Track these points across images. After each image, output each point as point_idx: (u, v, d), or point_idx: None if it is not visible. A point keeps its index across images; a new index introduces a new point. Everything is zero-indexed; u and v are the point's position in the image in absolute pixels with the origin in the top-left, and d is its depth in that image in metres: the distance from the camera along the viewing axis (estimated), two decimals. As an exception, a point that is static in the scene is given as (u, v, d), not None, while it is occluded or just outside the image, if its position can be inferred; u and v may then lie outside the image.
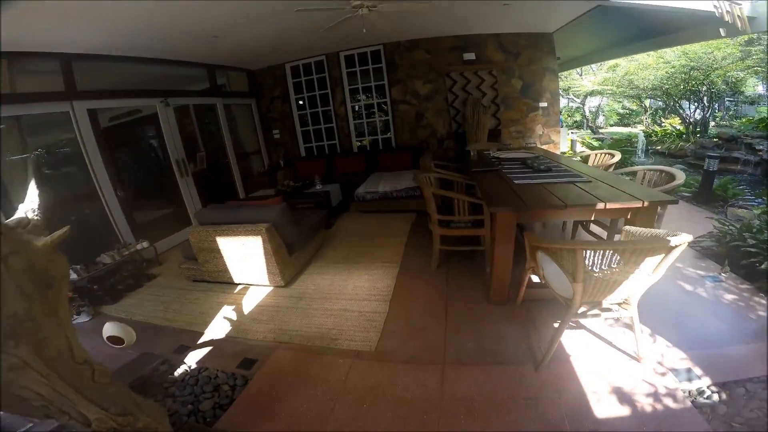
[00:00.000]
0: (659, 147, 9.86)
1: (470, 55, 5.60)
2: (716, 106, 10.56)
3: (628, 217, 2.22)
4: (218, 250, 3.18)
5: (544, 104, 5.90)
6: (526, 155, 3.59)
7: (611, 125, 16.32)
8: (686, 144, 9.10)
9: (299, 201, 4.39)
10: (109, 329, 1.93)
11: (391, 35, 5.35)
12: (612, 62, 11.05)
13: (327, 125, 6.46)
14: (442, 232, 2.94)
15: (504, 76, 5.72)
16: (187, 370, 2.37)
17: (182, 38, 4.02)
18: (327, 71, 6.04)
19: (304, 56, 6.02)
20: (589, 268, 1.89)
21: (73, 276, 3.60)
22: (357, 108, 6.32)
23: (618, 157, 3.70)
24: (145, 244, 4.26)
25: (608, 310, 1.92)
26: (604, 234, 2.87)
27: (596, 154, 4.02)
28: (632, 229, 1.95)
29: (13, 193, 3.31)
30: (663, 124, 12.21)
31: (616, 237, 2.27)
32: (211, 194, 6.52)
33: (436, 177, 3.28)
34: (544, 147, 6.00)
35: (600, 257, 1.93)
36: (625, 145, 8.95)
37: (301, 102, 6.51)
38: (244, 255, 3.08)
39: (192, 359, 2.46)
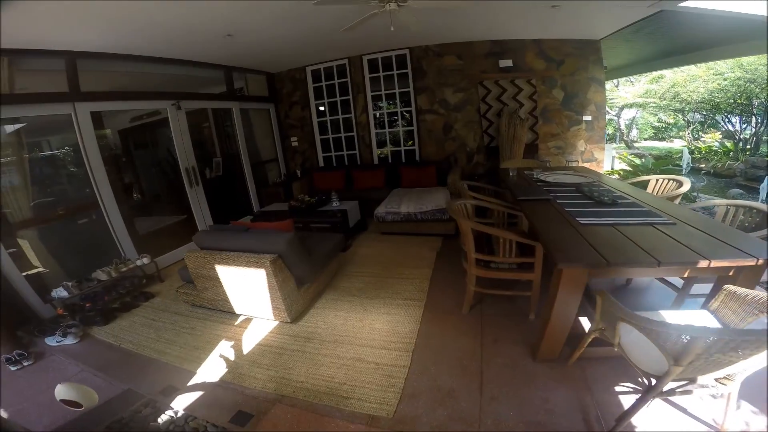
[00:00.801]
0: (703, 165, 9.02)
1: (507, 62, 5.07)
2: (770, 122, 9.58)
3: (730, 274, 1.68)
4: (218, 278, 2.78)
5: (587, 117, 5.29)
6: (580, 179, 3.03)
7: (645, 139, 15.32)
8: (735, 163, 8.23)
9: (314, 220, 3.97)
10: (62, 392, 1.52)
11: (419, 38, 4.90)
12: (656, 73, 10.23)
13: (347, 134, 6.05)
14: (479, 273, 2.43)
15: (544, 86, 5.16)
16: (172, 417, 1.96)
17: (194, 37, 3.70)
18: (349, 76, 5.64)
19: (326, 59, 5.64)
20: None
21: (64, 293, 3.29)
22: (379, 116, 5.89)
23: (687, 186, 3.08)
24: (145, 260, 3.93)
25: (704, 386, 1.42)
26: (677, 282, 2.34)
27: (658, 181, 3.41)
28: (738, 290, 1.56)
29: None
30: (702, 139, 11.28)
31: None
32: (223, 205, 6.22)
33: (473, 204, 2.77)
34: (586, 165, 5.39)
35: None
36: (668, 162, 8.16)
37: (321, 108, 6.13)
38: (247, 286, 2.65)
39: (180, 404, 2.12)
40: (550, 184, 2.96)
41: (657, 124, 15.00)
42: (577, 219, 2.11)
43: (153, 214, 5.24)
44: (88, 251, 3.97)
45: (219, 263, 2.64)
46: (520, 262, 2.34)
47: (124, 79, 4.22)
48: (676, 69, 9.18)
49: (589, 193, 2.58)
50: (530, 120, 5.13)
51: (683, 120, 13.12)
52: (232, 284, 2.74)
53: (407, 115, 5.64)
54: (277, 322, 2.82)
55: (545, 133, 5.30)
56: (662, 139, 14.77)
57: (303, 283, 2.76)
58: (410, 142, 5.81)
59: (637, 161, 8.70)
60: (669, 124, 14.47)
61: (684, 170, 9.09)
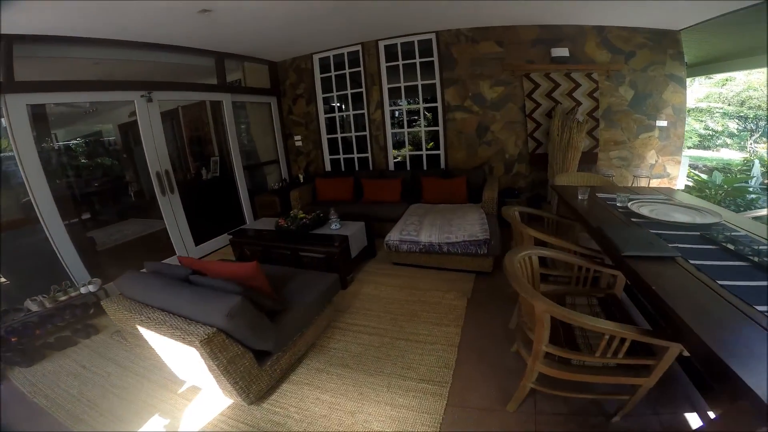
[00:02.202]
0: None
1: (561, 52, 4.05)
2: None
3: None
4: (146, 341, 1.91)
5: (662, 123, 4.20)
6: (695, 215, 2.00)
7: (689, 147, 13.80)
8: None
9: (304, 247, 3.06)
10: None
11: (448, 20, 3.95)
12: (723, 75, 8.87)
13: (359, 133, 5.15)
14: (549, 371, 1.46)
15: (609, 82, 4.11)
16: None
17: (164, 16, 2.94)
18: (363, 65, 4.74)
19: (336, 46, 4.77)
20: None
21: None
22: (397, 114, 4.97)
23: None
24: (92, 286, 3.14)
25: None
26: None
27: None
28: None
29: None
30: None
31: None
32: (212, 213, 5.45)
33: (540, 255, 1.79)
34: (656, 182, 4.29)
35: None
36: (739, 180, 6.87)
37: (331, 104, 5.27)
38: (185, 357, 1.77)
39: None
40: (650, 222, 1.95)
41: (703, 132, 13.45)
42: (744, 300, 1.10)
43: (115, 229, 4.51)
44: (34, 273, 3.23)
45: (140, 324, 1.77)
46: (630, 364, 1.35)
47: (95, 68, 3.49)
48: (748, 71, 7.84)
49: (720, 239, 1.56)
50: (589, 123, 4.07)
51: (744, 127, 11.58)
52: (165, 351, 1.87)
53: (430, 113, 4.71)
54: (231, 401, 1.96)
55: (607, 139, 4.24)
56: (707, 147, 13.25)
57: (267, 356, 1.86)
58: (431, 144, 4.86)
59: (703, 177, 7.42)
60: (716, 131, 12.93)
61: (753, 186, 7.74)
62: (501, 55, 4.19)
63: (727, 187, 5.18)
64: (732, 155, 10.31)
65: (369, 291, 3.01)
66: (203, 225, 6.16)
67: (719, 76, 8.76)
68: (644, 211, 2.13)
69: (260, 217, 5.15)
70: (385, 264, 3.49)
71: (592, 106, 4.13)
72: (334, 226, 3.21)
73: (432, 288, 2.97)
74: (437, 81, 4.44)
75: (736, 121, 10.83)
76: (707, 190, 5.49)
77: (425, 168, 4.86)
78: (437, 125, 4.63)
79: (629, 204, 2.20)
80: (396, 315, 2.66)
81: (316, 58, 5.05)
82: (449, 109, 4.47)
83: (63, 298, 2.99)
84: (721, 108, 9.36)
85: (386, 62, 4.65)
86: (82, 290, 3.10)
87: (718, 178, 6.32)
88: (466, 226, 3.15)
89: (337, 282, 2.49)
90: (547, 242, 1.98)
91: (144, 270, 2.10)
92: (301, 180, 5.52)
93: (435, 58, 4.40)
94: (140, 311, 1.80)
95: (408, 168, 5.00)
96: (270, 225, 3.51)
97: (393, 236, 3.18)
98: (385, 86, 4.72)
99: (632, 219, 1.98)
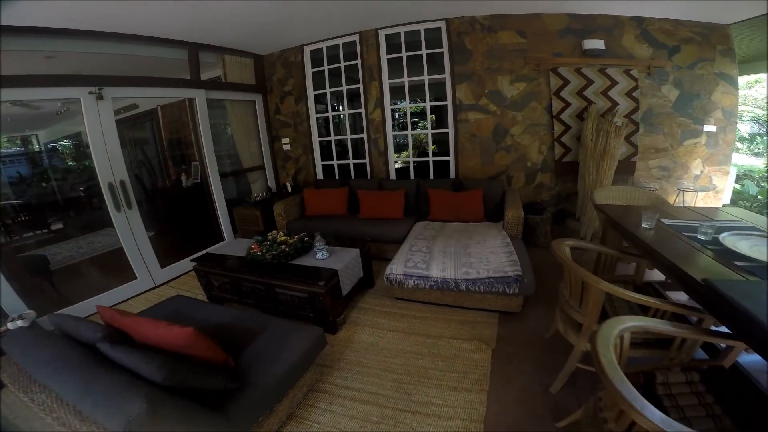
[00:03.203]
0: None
1: (596, 44, 3.55)
2: None
3: None
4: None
5: (711, 128, 3.70)
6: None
7: None
8: None
9: (282, 284, 2.49)
10: None
11: (461, 6, 3.46)
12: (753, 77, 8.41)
13: (355, 136, 4.63)
14: None
15: (650, 80, 3.61)
16: None
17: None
18: (360, 57, 4.23)
19: (330, 35, 4.26)
20: None
21: None
22: (398, 116, 4.45)
23: None
24: (20, 322, 2.56)
25: None
26: None
27: None
28: None
29: None
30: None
31: None
32: (183, 229, 4.94)
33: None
34: (702, 197, 3.79)
35: None
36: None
37: (324, 102, 4.75)
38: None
39: None
40: (758, 265, 1.42)
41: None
42: None
43: (90, 238, 4.00)
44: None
45: (30, 405, 1.21)
46: None
47: (49, 64, 3.00)
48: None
49: None
50: (628, 126, 3.56)
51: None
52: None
53: (432, 114, 4.22)
54: None
55: (647, 146, 3.73)
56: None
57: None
58: (433, 147, 4.33)
59: (737, 186, 6.94)
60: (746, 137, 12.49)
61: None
62: (523, 47, 3.69)
63: (763, 199, 4.72)
64: (745, 161, 9.82)
65: (365, 338, 2.45)
66: (177, 240, 5.62)
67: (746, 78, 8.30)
68: (742, 247, 1.60)
69: (241, 232, 4.61)
70: (385, 298, 2.93)
71: (631, 108, 3.62)
72: (321, 256, 2.64)
73: (446, 334, 2.41)
74: (447, 76, 3.93)
75: (751, 124, 10.42)
76: (741, 202, 5.03)
77: (432, 177, 4.33)
78: (446, 127, 4.10)
79: (721, 238, 1.67)
80: (400, 374, 2.10)
81: (307, 50, 4.54)
82: (461, 109, 3.95)
83: None
84: (750, 111, 8.89)
85: (387, 54, 4.14)
86: (9, 326, 2.52)
87: (752, 188, 5.82)
88: (489, 256, 2.60)
89: (322, 337, 1.93)
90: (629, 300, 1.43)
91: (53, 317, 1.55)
92: (289, 189, 4.98)
93: (445, 50, 3.89)
94: (25, 386, 1.26)
95: (412, 177, 4.47)
96: (244, 248, 2.95)
97: (396, 268, 2.62)
98: (386, 82, 4.21)
99: (735, 262, 1.45)
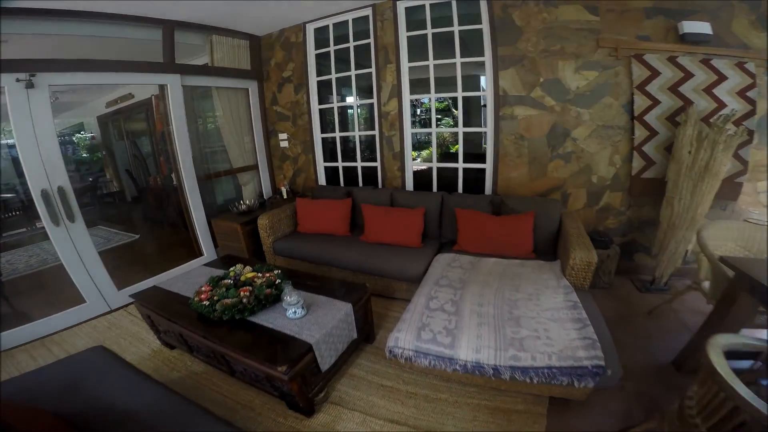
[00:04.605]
0: None
1: (699, 27, 2.61)
2: None
3: None
4: None
5: None
6: None
7: None
8: None
9: (233, 354, 1.76)
10: None
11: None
12: None
13: (365, 132, 3.84)
14: None
15: (774, 70, 2.64)
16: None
17: None
18: (373, 35, 3.43)
19: (338, 10, 3.50)
20: None
21: None
22: (420, 112, 3.62)
23: None
24: None
25: None
26: None
27: None
28: None
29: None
30: None
31: None
32: (160, 239, 4.38)
33: None
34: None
35: None
36: None
37: (328, 91, 3.98)
38: None
39: None
40: None
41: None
42: None
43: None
44: None
45: None
46: None
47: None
48: None
49: None
50: (740, 136, 2.61)
51: None
52: None
53: (455, 109, 3.34)
54: None
55: (759, 163, 2.77)
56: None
57: None
58: (455, 147, 3.47)
59: None
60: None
61: None
62: (595, 26, 2.78)
63: None
64: None
65: (352, 429, 1.69)
66: (160, 248, 5.05)
67: None
68: None
69: (222, 247, 3.93)
70: (386, 365, 2.15)
71: (744, 111, 2.67)
72: (292, 314, 1.88)
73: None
74: (488, 59, 3.06)
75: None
76: None
77: (461, 190, 3.49)
78: (485, 125, 3.24)
79: None
80: None
81: (310, 28, 3.78)
82: (506, 102, 3.08)
83: None
84: None
85: (408, 30, 3.33)
86: None
87: None
88: (549, 325, 1.76)
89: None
90: None
91: None
92: (284, 196, 4.26)
93: (485, 26, 3.03)
94: None
95: (435, 188, 3.63)
96: (201, 280, 2.23)
97: (404, 339, 1.80)
98: (405, 65, 3.39)
99: None
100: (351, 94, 3.84)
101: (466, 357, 1.68)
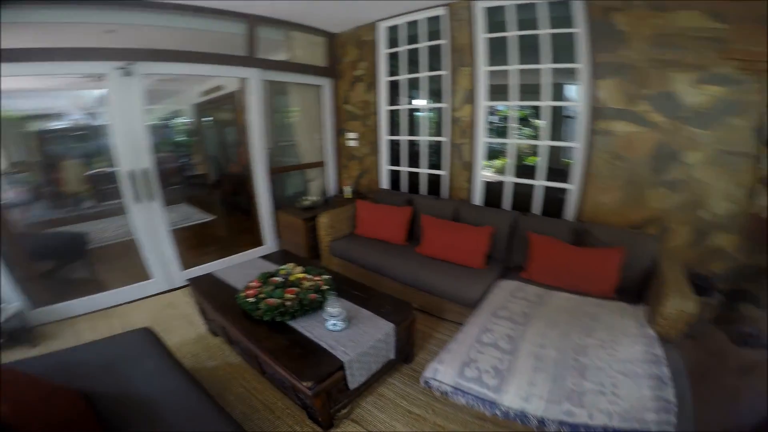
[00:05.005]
0: None
1: None
2: None
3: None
4: None
5: None
6: None
7: None
8: None
9: (264, 356, 1.76)
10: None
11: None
12: None
13: (433, 138, 3.68)
14: None
15: None
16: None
17: None
18: (449, 35, 3.25)
19: (410, 9, 3.40)
20: None
21: None
22: (498, 119, 3.37)
23: None
24: None
25: None
26: None
27: None
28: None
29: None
30: None
31: None
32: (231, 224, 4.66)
33: None
34: None
35: None
36: None
37: (397, 92, 3.90)
38: None
39: None
40: None
41: None
42: None
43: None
44: None
45: None
46: None
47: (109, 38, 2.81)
48: None
49: None
50: None
51: None
52: None
53: (556, 118, 2.99)
54: None
55: None
56: None
57: None
58: (531, 159, 3.12)
59: None
60: None
61: None
62: (720, 35, 2.29)
63: None
64: None
65: None
66: (231, 232, 5.39)
67: None
68: None
69: (284, 240, 4.05)
70: (420, 388, 1.98)
71: None
72: (332, 325, 1.83)
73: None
74: (585, 66, 2.71)
75: None
76: None
77: (537, 210, 3.15)
78: (575, 140, 2.89)
79: None
80: None
81: (381, 26, 3.72)
82: (603, 115, 2.70)
83: None
84: None
85: (487, 32, 3.09)
86: None
87: None
88: (618, 379, 1.48)
89: None
90: None
91: None
92: (348, 195, 4.27)
93: (582, 30, 2.68)
94: None
95: (506, 204, 3.34)
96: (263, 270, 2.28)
97: (443, 372, 1.63)
98: (482, 68, 3.15)
99: None
100: (421, 97, 3.70)
101: (510, 404, 1.48)
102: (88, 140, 6.88)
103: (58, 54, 2.46)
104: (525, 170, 3.32)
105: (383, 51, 3.78)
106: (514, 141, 3.25)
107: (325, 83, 4.29)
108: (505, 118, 3.92)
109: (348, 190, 4.33)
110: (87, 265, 3.71)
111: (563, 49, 2.82)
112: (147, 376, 1.58)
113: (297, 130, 4.36)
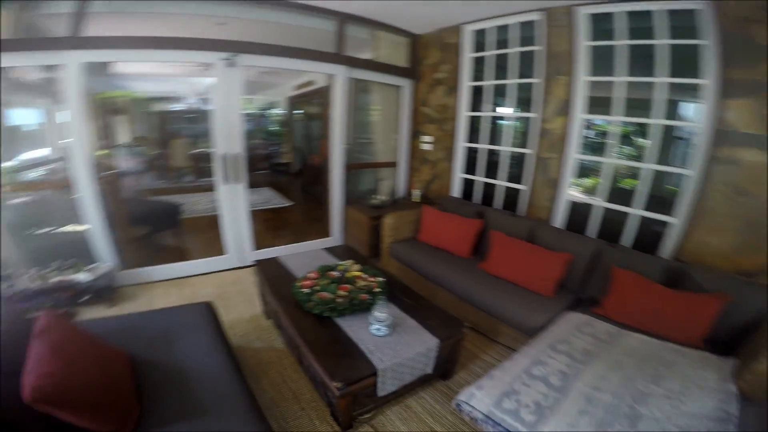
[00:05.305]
0: None
1: None
2: None
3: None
4: None
5: None
6: None
7: None
8: None
9: (303, 349, 1.81)
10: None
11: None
12: None
13: (517, 149, 3.45)
14: None
15: None
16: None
17: None
18: (546, 42, 3.00)
19: (501, 12, 3.22)
20: None
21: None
22: (594, 134, 3.05)
23: None
24: (83, 275, 2.69)
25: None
26: None
27: None
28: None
29: None
30: None
31: None
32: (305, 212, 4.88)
33: None
34: None
35: None
36: None
37: (480, 97, 3.73)
38: None
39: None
40: None
41: None
42: None
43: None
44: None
45: None
46: None
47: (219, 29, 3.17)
48: None
49: None
50: None
51: None
52: None
53: (664, 138, 2.59)
54: None
55: None
56: None
57: None
58: (632, 182, 2.71)
59: None
60: None
61: None
62: None
63: None
64: None
65: None
66: (303, 219, 5.70)
67: None
68: None
69: (349, 234, 4.16)
70: (450, 408, 1.90)
71: None
72: (375, 330, 1.81)
73: None
74: (711, 83, 2.31)
75: None
76: None
77: (627, 242, 2.77)
78: (683, 164, 2.48)
79: None
80: None
81: (467, 29, 3.60)
82: (727, 140, 2.28)
83: (55, 278, 2.60)
84: None
85: (590, 39, 2.79)
86: (80, 276, 2.66)
87: None
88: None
89: None
90: None
91: None
92: (415, 199, 4.23)
93: (710, 42, 2.27)
94: None
95: (590, 231, 3.00)
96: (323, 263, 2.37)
97: (478, 398, 1.48)
98: (581, 78, 2.86)
99: None
100: (506, 105, 3.49)
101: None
102: (197, 123, 7.84)
103: (177, 43, 2.81)
104: (620, 194, 2.95)
105: (468, 55, 3.66)
106: (611, 160, 2.90)
107: (405, 84, 4.29)
108: (603, 134, 3.51)
109: (416, 194, 4.29)
110: (176, 234, 4.19)
111: (684, 62, 2.44)
112: (194, 350, 1.67)
113: (375, 129, 4.45)
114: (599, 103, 2.90)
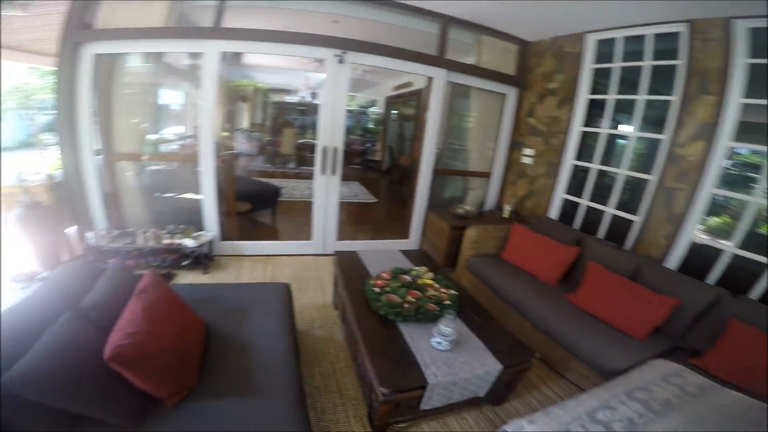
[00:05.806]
0: None
1: None
2: None
3: None
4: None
5: None
6: None
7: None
8: None
9: (360, 349, 1.85)
10: None
11: None
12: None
13: (636, 174, 3.05)
14: None
15: None
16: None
17: None
18: (687, 57, 2.58)
19: (632, 23, 2.90)
20: None
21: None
22: (732, 164, 2.57)
23: None
24: (189, 241, 3.15)
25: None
26: None
27: None
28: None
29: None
30: None
31: None
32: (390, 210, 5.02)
33: None
34: None
35: None
36: None
37: (599, 112, 3.38)
38: None
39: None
40: None
41: None
42: None
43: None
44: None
45: None
46: None
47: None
48: None
49: None
50: None
51: None
52: None
53: None
54: None
55: None
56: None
57: None
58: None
59: None
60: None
61: None
62: None
63: None
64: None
65: None
66: (388, 216, 5.87)
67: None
68: None
69: (426, 239, 4.14)
70: None
71: None
72: (436, 343, 1.75)
73: None
74: None
75: None
76: None
77: (754, 294, 2.26)
78: None
79: None
80: None
81: (590, 39, 3.29)
82: None
83: (166, 240, 3.08)
84: None
85: (749, 57, 2.31)
86: (187, 242, 3.10)
87: None
88: None
89: None
90: None
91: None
92: (505, 214, 4.02)
93: None
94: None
95: (716, 281, 2.51)
96: (395, 265, 2.42)
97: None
98: (735, 100, 2.39)
99: None
100: (629, 122, 3.09)
101: None
102: (306, 115, 8.62)
103: (297, 38, 3.13)
104: (757, 240, 2.43)
105: (588, 65, 3.36)
106: (756, 199, 2.38)
107: (511, 92, 4.09)
108: (748, 166, 2.92)
109: (507, 209, 4.07)
110: (273, 215, 4.65)
111: None
112: (263, 329, 1.76)
113: (470, 136, 4.34)
114: (751, 129, 2.41)
